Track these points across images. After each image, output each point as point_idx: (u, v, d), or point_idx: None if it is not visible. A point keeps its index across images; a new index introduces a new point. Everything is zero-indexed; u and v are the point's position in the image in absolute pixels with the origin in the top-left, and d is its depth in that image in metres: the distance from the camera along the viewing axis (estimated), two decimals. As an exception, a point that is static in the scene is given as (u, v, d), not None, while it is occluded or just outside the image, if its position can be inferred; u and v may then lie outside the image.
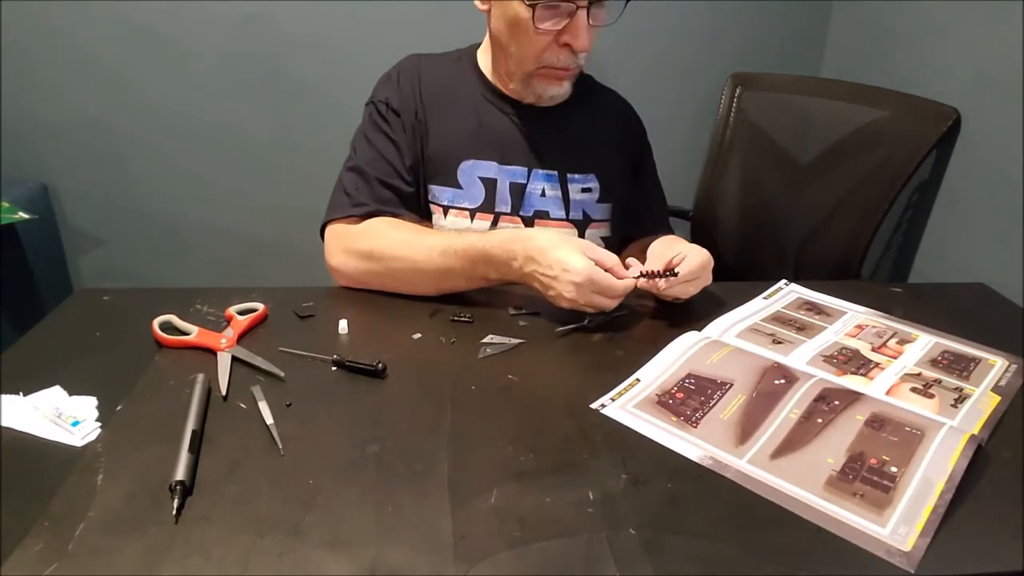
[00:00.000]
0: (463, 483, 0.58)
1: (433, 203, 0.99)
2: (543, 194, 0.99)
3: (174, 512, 0.54)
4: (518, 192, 0.99)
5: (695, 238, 1.62)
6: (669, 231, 1.06)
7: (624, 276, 0.82)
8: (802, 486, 0.59)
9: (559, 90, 0.96)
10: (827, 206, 1.46)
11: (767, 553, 0.53)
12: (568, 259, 0.78)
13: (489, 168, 0.98)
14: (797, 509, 0.57)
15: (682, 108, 1.81)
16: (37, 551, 0.50)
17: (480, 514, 0.55)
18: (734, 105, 1.60)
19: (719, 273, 0.89)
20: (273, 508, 0.55)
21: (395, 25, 1.69)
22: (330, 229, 0.95)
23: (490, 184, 0.98)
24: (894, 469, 0.60)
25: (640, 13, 1.70)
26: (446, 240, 0.87)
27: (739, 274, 1.55)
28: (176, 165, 1.78)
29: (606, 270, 0.80)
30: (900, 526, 0.55)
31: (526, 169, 0.99)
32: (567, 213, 1.01)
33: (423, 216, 1.00)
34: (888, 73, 1.51)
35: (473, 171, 0.97)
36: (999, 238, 1.23)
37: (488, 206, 0.98)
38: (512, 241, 0.83)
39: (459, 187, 0.97)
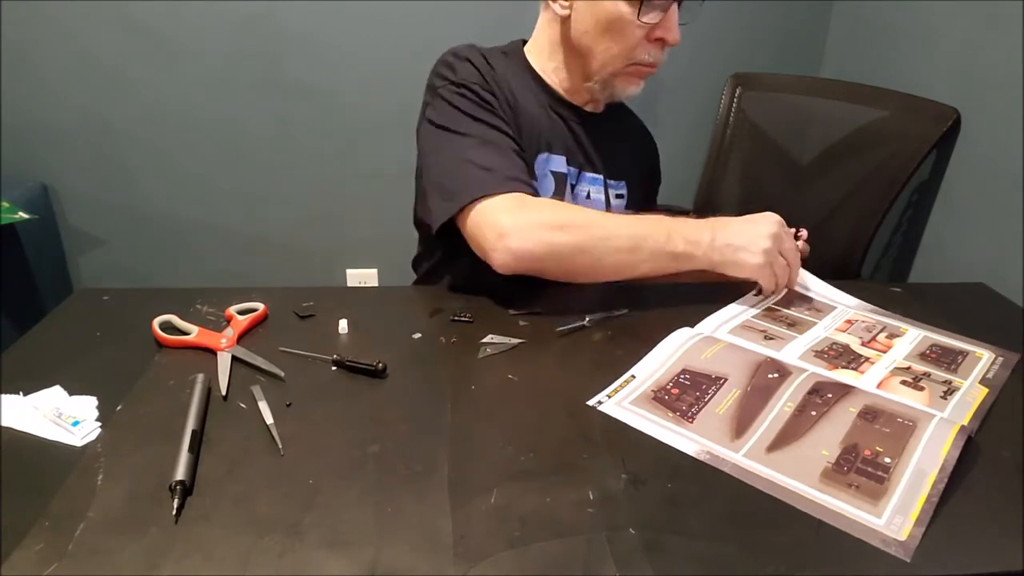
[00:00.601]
0: (463, 483, 0.58)
1: None
2: (588, 196, 1.01)
3: (174, 512, 0.54)
4: (570, 192, 1.00)
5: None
6: None
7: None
8: (798, 478, 0.59)
9: (637, 89, 0.97)
10: (827, 206, 1.46)
11: (767, 552, 0.53)
12: (755, 217, 0.86)
13: (560, 163, 0.98)
14: (794, 501, 0.57)
15: (682, 108, 1.81)
16: (37, 551, 0.50)
17: (480, 514, 0.55)
18: (734, 105, 1.61)
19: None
20: (273, 508, 0.55)
21: (395, 25, 1.69)
22: (484, 208, 0.82)
23: (560, 179, 0.98)
24: (888, 460, 0.61)
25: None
26: (635, 217, 0.87)
27: (739, 274, 1.55)
28: (176, 165, 1.79)
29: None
30: (895, 516, 0.55)
31: (576, 170, 1.00)
32: None
33: None
34: (888, 73, 1.51)
35: (547, 164, 0.97)
36: (999, 238, 1.24)
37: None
38: (700, 222, 0.87)
39: (534, 178, 0.96)
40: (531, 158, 0.95)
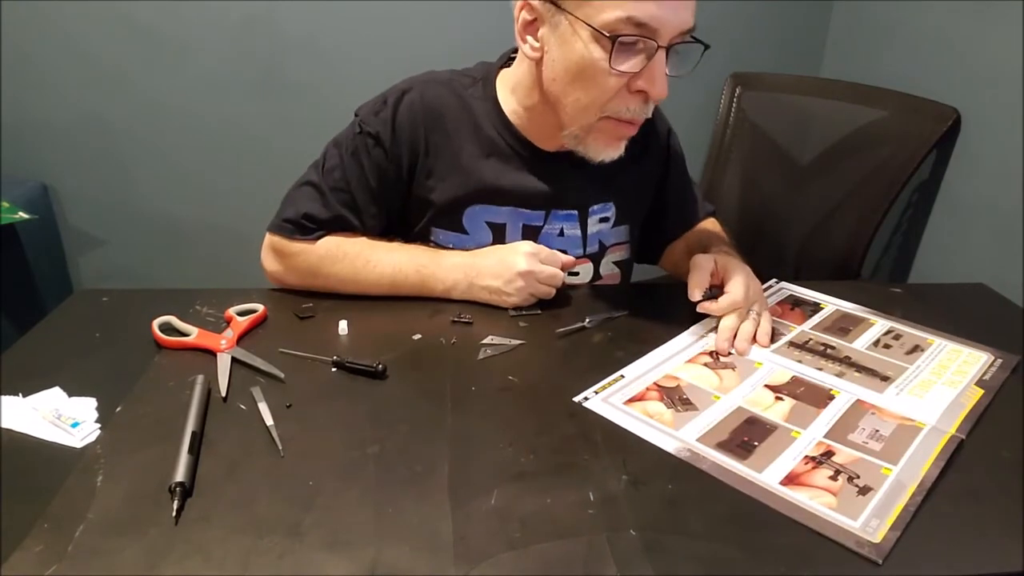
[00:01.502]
0: (463, 484, 0.58)
1: (435, 243, 0.94)
2: (561, 233, 0.95)
3: (174, 513, 0.54)
4: (532, 234, 0.93)
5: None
6: (704, 217, 1.10)
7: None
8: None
9: (614, 153, 0.85)
10: (827, 206, 1.46)
11: (767, 553, 0.53)
12: (505, 255, 0.86)
13: (499, 213, 0.92)
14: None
15: (682, 108, 1.81)
16: (37, 552, 0.50)
17: (480, 515, 0.55)
18: (734, 105, 1.61)
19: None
20: (273, 509, 0.55)
21: (395, 26, 1.69)
22: (267, 241, 0.93)
23: (498, 229, 0.92)
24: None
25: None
26: (391, 261, 0.89)
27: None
28: (176, 165, 1.78)
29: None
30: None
31: (543, 212, 0.93)
32: (584, 249, 0.97)
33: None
34: (888, 73, 1.51)
35: (481, 216, 0.92)
36: (999, 238, 1.24)
37: None
38: (455, 269, 0.88)
39: (464, 232, 0.92)
40: (458, 213, 0.91)
